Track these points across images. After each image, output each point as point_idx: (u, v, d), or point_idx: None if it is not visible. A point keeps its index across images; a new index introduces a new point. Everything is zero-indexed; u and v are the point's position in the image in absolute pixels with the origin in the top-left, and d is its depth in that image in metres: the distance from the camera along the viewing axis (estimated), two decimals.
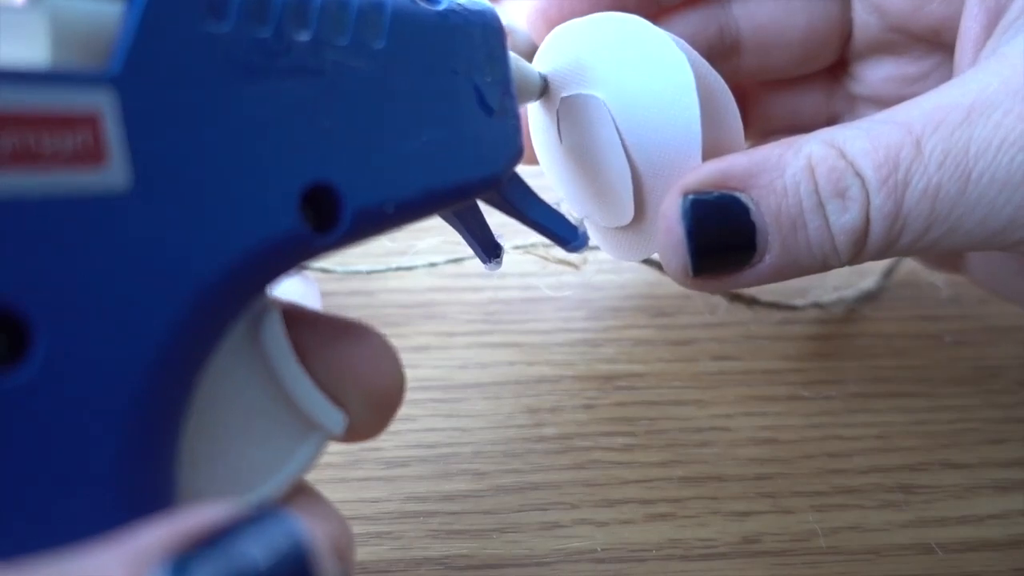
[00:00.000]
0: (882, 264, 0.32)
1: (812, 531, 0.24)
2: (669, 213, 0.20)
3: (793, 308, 0.30)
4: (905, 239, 0.19)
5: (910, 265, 0.32)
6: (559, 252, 0.29)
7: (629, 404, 0.28)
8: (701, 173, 0.20)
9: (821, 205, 0.19)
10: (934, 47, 0.25)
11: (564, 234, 0.22)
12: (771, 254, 0.20)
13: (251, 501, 0.16)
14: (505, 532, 0.25)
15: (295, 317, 0.17)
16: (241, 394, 0.16)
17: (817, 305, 0.31)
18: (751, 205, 0.19)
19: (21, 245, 0.13)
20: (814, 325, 0.31)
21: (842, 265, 0.20)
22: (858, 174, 0.19)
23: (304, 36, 0.16)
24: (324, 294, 0.31)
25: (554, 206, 0.22)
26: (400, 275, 0.32)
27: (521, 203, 0.21)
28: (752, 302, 0.30)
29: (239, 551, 0.12)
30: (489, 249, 0.22)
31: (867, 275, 0.32)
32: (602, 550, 0.24)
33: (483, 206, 0.22)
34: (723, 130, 0.22)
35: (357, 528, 0.25)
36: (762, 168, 0.19)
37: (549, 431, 0.27)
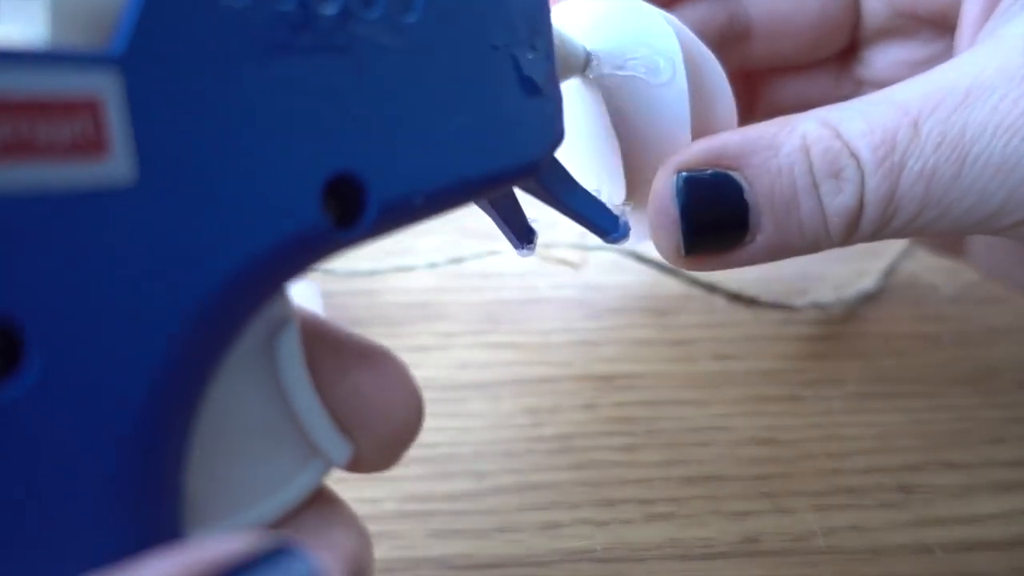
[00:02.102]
0: (882, 264, 0.32)
1: (811, 531, 0.24)
2: (662, 190, 0.19)
3: (792, 308, 0.31)
4: (897, 222, 0.19)
5: (910, 265, 0.32)
6: (559, 252, 0.30)
7: (629, 404, 0.28)
8: (694, 150, 0.20)
9: (815, 186, 0.19)
10: (942, 30, 0.25)
11: (604, 224, 0.21)
12: (763, 234, 0.19)
13: (242, 522, 0.15)
14: (505, 532, 0.25)
15: (312, 331, 0.16)
16: (247, 405, 0.15)
17: (817, 305, 0.31)
18: (744, 184, 0.19)
19: (12, 246, 0.11)
20: (814, 325, 0.31)
21: (833, 247, 0.20)
22: (853, 155, 0.19)
23: (330, 9, 0.14)
24: (324, 294, 0.31)
25: (594, 194, 0.21)
26: (400, 275, 0.32)
27: (560, 191, 0.20)
28: (752, 302, 0.30)
29: None
30: (522, 234, 0.21)
31: (867, 275, 0.32)
32: (602, 550, 0.24)
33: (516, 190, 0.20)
34: (714, 108, 0.22)
35: None
36: (756, 147, 0.19)
37: (549, 431, 0.27)
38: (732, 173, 0.19)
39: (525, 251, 0.21)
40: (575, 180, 0.20)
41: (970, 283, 0.32)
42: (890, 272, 0.32)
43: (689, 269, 0.21)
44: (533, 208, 0.21)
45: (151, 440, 0.13)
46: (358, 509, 0.25)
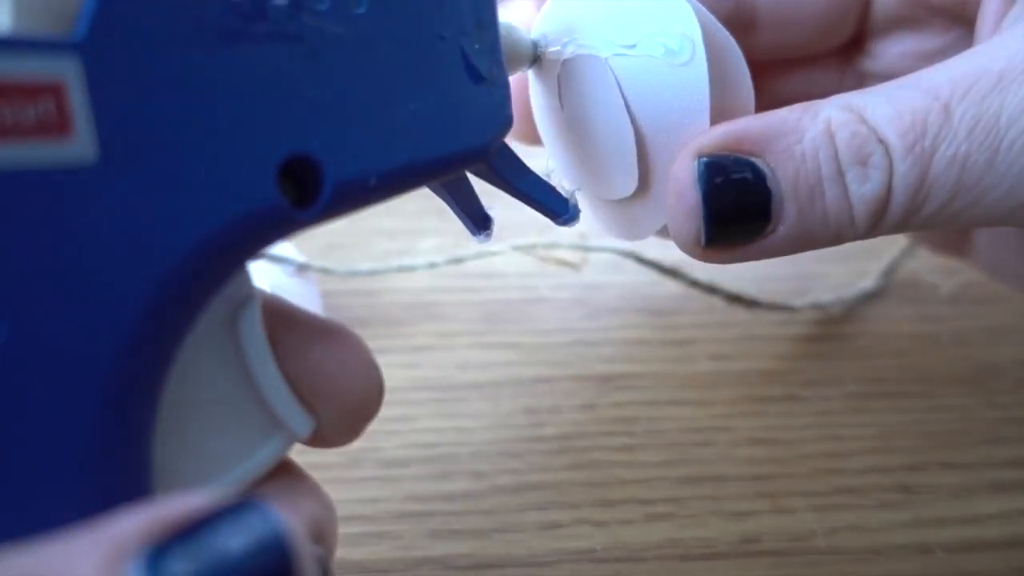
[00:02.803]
0: (882, 264, 0.32)
1: (811, 531, 0.24)
2: (681, 176, 0.19)
3: (792, 308, 0.31)
4: (927, 211, 0.18)
5: (910, 265, 0.32)
6: (559, 253, 0.30)
7: (628, 404, 0.28)
8: (715, 134, 0.19)
9: (841, 173, 0.18)
10: (954, 21, 0.25)
11: (554, 207, 0.21)
12: (785, 224, 0.19)
13: (208, 489, 0.16)
14: (505, 532, 0.25)
15: (275, 311, 0.17)
16: (211, 380, 0.16)
17: (816, 305, 0.31)
18: (767, 171, 0.18)
19: None
20: (813, 325, 0.31)
21: (857, 238, 0.19)
22: (881, 140, 0.18)
23: (281, 0, 0.15)
24: (324, 294, 0.31)
25: (544, 177, 0.21)
26: (400, 275, 0.32)
27: (510, 174, 0.20)
28: (752, 302, 0.30)
29: (216, 542, 0.12)
30: (479, 221, 0.22)
31: (867, 275, 0.32)
32: (601, 550, 0.24)
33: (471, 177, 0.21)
34: (732, 93, 0.21)
35: (357, 528, 0.25)
36: (779, 132, 0.19)
37: (548, 431, 0.27)
38: (754, 159, 0.18)
39: (482, 237, 0.22)
40: (525, 165, 0.21)
41: (970, 283, 0.32)
42: (890, 272, 0.32)
43: (707, 261, 0.20)
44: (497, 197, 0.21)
45: (118, 408, 0.13)
46: (358, 509, 0.25)
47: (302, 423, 0.17)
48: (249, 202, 0.15)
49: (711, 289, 0.30)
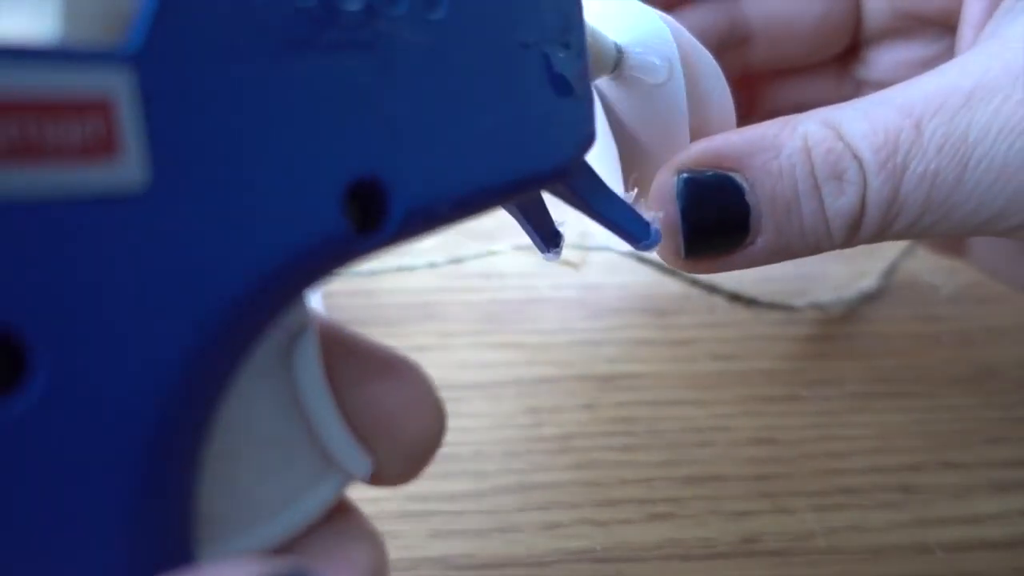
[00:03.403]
0: (882, 264, 0.32)
1: (812, 531, 0.24)
2: (662, 191, 0.19)
3: (792, 308, 0.31)
4: (899, 224, 0.19)
5: (910, 265, 0.32)
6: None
7: (629, 404, 0.28)
8: (695, 151, 0.19)
9: (817, 187, 0.19)
10: (945, 31, 0.25)
11: (635, 231, 0.19)
12: (763, 237, 0.19)
13: (259, 537, 0.14)
14: (505, 532, 0.25)
15: (332, 339, 0.15)
16: (261, 417, 0.14)
17: (816, 306, 0.31)
18: (745, 185, 0.19)
19: (19, 254, 0.11)
20: (813, 325, 0.31)
21: (834, 248, 0.20)
22: (856, 156, 0.19)
23: (354, 5, 0.14)
24: (324, 294, 0.31)
25: (626, 199, 0.20)
26: (400, 275, 0.32)
27: (591, 195, 0.19)
28: (752, 302, 0.30)
29: None
30: (548, 238, 0.20)
31: (867, 275, 0.32)
32: (602, 550, 0.24)
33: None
34: (712, 111, 0.21)
35: None
36: (757, 148, 0.19)
37: (549, 431, 0.27)
38: (733, 174, 0.19)
39: (551, 255, 0.21)
40: (605, 185, 0.19)
41: (970, 283, 0.32)
42: (890, 272, 0.32)
43: (689, 272, 0.21)
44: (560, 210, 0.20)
45: (162, 458, 0.12)
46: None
47: (360, 463, 0.15)
48: (313, 230, 0.13)
49: (711, 289, 0.30)
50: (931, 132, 0.18)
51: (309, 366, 0.15)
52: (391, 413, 0.15)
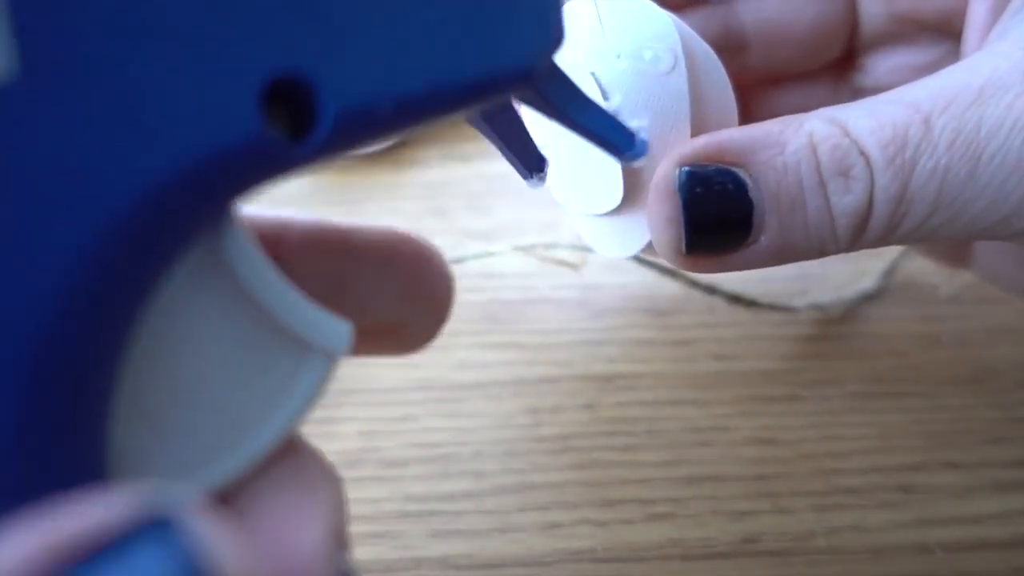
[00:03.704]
0: (883, 264, 0.32)
1: (812, 531, 0.24)
2: (663, 184, 0.19)
3: (792, 310, 0.31)
4: (908, 224, 0.18)
5: (910, 265, 0.32)
6: (559, 253, 0.30)
7: (629, 404, 0.28)
8: (698, 145, 0.19)
9: (822, 184, 0.18)
10: (943, 36, 0.25)
11: (618, 141, 0.19)
12: (767, 235, 0.19)
13: (244, 455, 0.13)
14: (505, 532, 0.25)
15: (328, 238, 0.16)
16: (212, 330, 0.13)
17: (816, 306, 0.31)
18: (748, 181, 0.19)
19: None
20: (813, 325, 0.31)
21: (839, 251, 0.19)
22: (863, 153, 0.18)
23: None
24: None
25: (607, 109, 0.19)
26: None
27: (566, 103, 0.17)
28: (752, 304, 0.30)
29: None
30: (531, 162, 0.19)
31: (866, 276, 0.32)
32: (602, 550, 0.24)
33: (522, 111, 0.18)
34: (715, 107, 0.21)
35: (357, 528, 0.25)
36: (762, 144, 0.19)
37: (549, 431, 0.27)
38: (736, 169, 0.19)
39: (535, 181, 0.20)
40: (583, 93, 0.18)
41: (970, 283, 0.32)
42: (890, 272, 0.32)
43: (689, 270, 0.21)
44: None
45: (53, 385, 0.11)
46: (358, 509, 0.25)
47: (338, 332, 0.14)
48: (226, 135, 0.12)
49: (711, 290, 0.30)
50: (941, 127, 0.18)
51: (246, 256, 0.13)
52: (412, 279, 0.17)
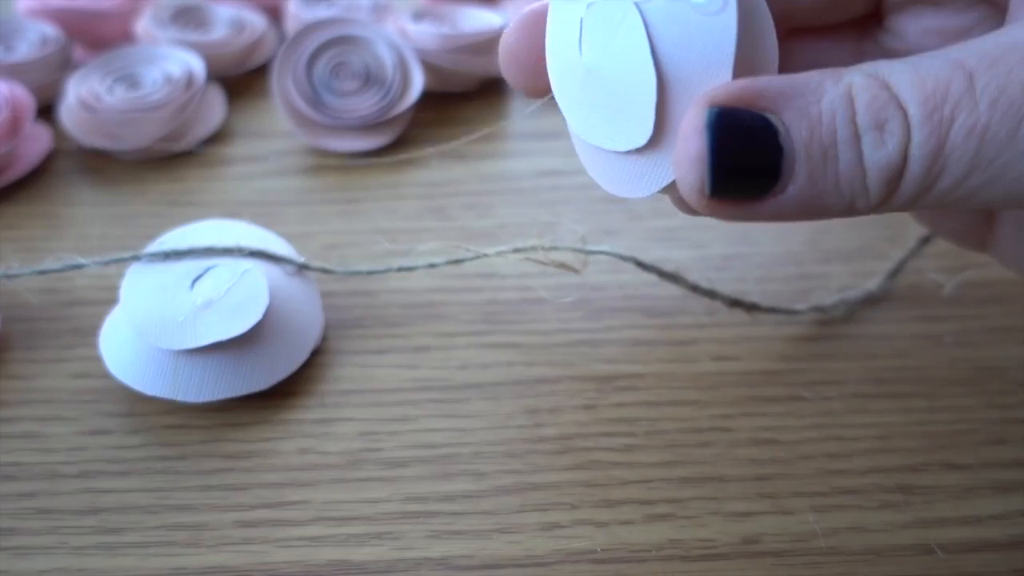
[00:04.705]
0: (884, 265, 0.32)
1: (812, 531, 0.24)
2: (692, 123, 0.18)
3: (794, 312, 0.30)
4: (942, 184, 0.18)
5: (911, 266, 0.32)
6: (559, 255, 0.29)
7: (629, 404, 0.28)
8: (732, 87, 0.18)
9: (857, 137, 0.18)
10: (977, 0, 0.24)
11: None
12: (795, 184, 0.18)
13: None
14: (505, 532, 0.25)
15: None
16: None
17: (818, 309, 0.31)
18: (780, 127, 0.18)
19: None
20: (814, 326, 0.31)
21: (870, 209, 0.19)
22: (901, 106, 0.18)
23: None
24: (324, 294, 0.31)
25: None
26: (400, 275, 0.32)
27: None
28: (752, 307, 0.30)
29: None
30: None
31: (869, 276, 0.32)
32: (602, 550, 0.24)
33: None
34: (758, 51, 0.20)
35: (357, 528, 0.25)
36: (799, 91, 0.18)
37: (549, 431, 0.27)
38: (768, 115, 0.18)
39: None
40: None
41: (972, 283, 0.32)
42: (892, 273, 0.32)
43: (714, 214, 0.19)
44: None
45: None
46: (358, 509, 0.25)
47: None
48: None
49: (711, 294, 0.30)
50: (984, 84, 0.17)
51: None
52: None
